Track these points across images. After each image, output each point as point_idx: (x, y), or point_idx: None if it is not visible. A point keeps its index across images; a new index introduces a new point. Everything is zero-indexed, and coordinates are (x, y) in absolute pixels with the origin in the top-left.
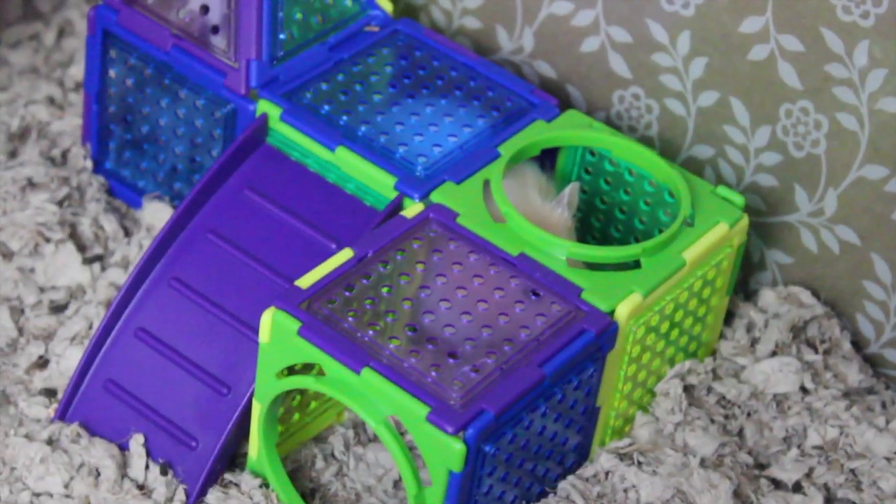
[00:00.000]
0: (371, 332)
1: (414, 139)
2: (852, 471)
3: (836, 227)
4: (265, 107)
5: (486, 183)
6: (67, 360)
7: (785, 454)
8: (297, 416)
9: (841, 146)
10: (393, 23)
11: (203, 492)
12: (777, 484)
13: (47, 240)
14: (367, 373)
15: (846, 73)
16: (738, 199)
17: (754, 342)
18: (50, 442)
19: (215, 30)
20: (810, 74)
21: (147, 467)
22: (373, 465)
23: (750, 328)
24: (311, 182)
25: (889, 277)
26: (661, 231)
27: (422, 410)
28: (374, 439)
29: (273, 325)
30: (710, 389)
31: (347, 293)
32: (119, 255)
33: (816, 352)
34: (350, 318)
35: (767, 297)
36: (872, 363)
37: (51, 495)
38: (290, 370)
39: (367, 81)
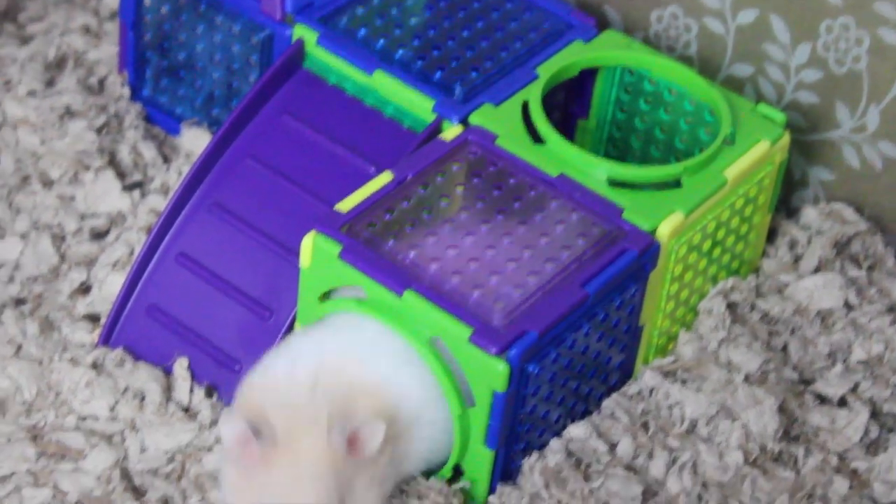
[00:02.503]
0: (412, 253)
1: (451, 61)
2: None
3: (879, 142)
4: (301, 32)
5: (526, 104)
6: (110, 285)
7: (830, 370)
8: None
9: (883, 61)
10: None
11: None
12: (822, 399)
13: (87, 167)
14: (408, 295)
15: None
16: (779, 117)
17: (797, 259)
18: (95, 366)
19: None
20: None
21: (192, 390)
22: None
23: (793, 245)
24: (348, 106)
25: None
26: (701, 150)
27: (464, 331)
28: None
29: (314, 248)
30: (753, 307)
31: (388, 216)
32: (158, 181)
33: (860, 268)
34: (391, 241)
35: (810, 214)
36: None
37: (96, 418)
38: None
39: (403, 5)
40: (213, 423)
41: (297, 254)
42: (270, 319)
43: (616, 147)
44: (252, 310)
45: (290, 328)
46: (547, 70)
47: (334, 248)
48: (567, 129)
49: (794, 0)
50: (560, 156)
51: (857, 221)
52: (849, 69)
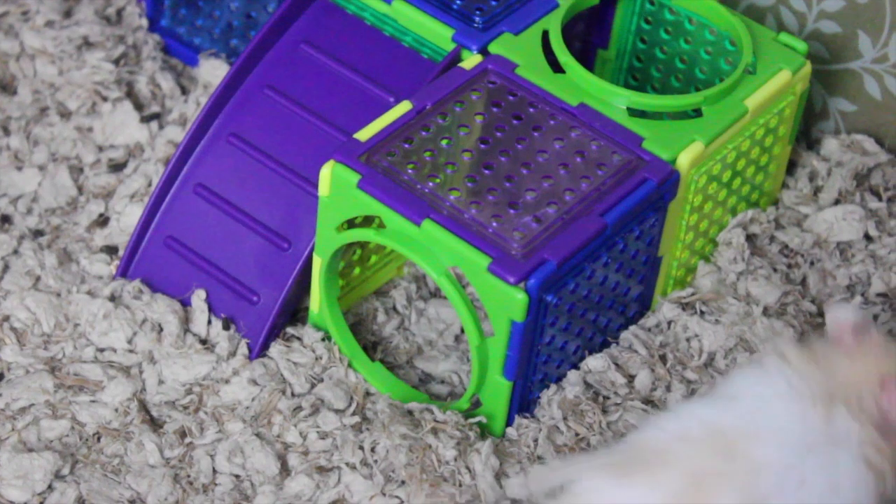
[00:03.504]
0: (431, 183)
1: None
2: None
3: None
4: None
5: (545, 33)
6: (128, 217)
7: (849, 302)
8: (357, 270)
9: None
10: None
11: (265, 346)
12: None
13: (104, 98)
14: (427, 224)
15: None
16: (801, 46)
17: (817, 191)
18: (112, 298)
19: None
20: None
21: (209, 322)
22: (434, 320)
23: (812, 177)
24: (368, 35)
25: None
26: (722, 80)
27: (483, 261)
28: (436, 293)
29: (332, 177)
30: (772, 238)
31: (407, 145)
32: (176, 112)
33: (880, 199)
34: (410, 170)
35: (830, 145)
36: None
37: (114, 350)
38: (350, 223)
39: None
40: (231, 354)
41: (315, 184)
42: (289, 250)
43: (636, 77)
44: (270, 240)
45: (309, 259)
46: None
47: (353, 178)
48: (587, 58)
49: None
50: (580, 85)
51: (878, 153)
52: None
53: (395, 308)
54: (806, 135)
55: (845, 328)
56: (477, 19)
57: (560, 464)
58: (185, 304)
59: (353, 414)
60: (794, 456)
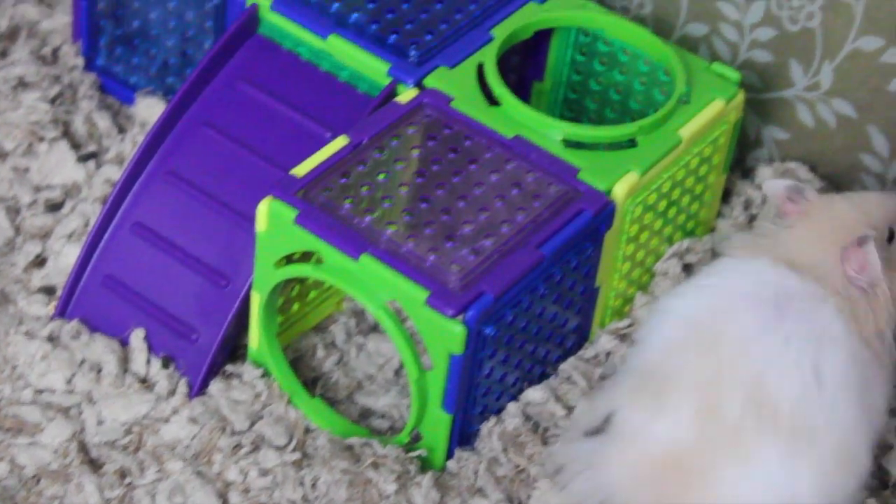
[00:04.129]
0: (368, 217)
1: (406, 24)
2: None
3: (833, 100)
4: None
5: (481, 66)
6: (65, 257)
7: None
8: (296, 305)
9: (836, 18)
10: None
11: (205, 383)
12: None
13: (41, 139)
14: (365, 258)
15: None
16: (734, 75)
17: (752, 219)
18: (51, 339)
19: None
20: None
21: (148, 361)
22: (374, 354)
23: (747, 205)
24: (303, 71)
25: (886, 149)
26: (656, 111)
27: (421, 294)
28: (375, 328)
29: (270, 213)
30: None
31: (344, 180)
32: (114, 151)
33: None
34: (347, 205)
35: (764, 173)
36: None
37: (53, 391)
38: (289, 259)
39: None
40: (171, 393)
41: (253, 220)
42: (227, 287)
43: (572, 109)
44: (209, 278)
45: (248, 295)
46: (501, 32)
47: (290, 213)
48: (523, 91)
49: None
50: (515, 117)
51: (812, 180)
52: (802, 27)
53: (334, 343)
54: (740, 163)
55: (780, 195)
56: (412, 53)
57: (593, 400)
58: (125, 343)
59: (294, 450)
60: (773, 315)
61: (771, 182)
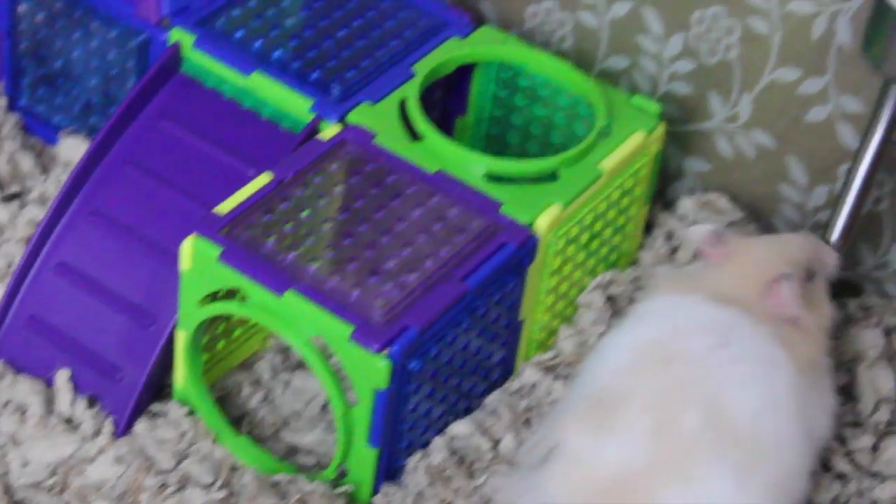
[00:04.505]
0: (292, 254)
1: (328, 61)
2: None
3: (751, 131)
4: (178, 35)
5: (403, 102)
6: None
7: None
8: (221, 343)
9: (753, 50)
10: None
11: (131, 423)
12: None
13: None
14: (289, 295)
15: None
16: (654, 108)
17: (674, 250)
18: None
19: None
20: None
21: (73, 402)
22: (300, 391)
23: (669, 236)
24: (226, 109)
25: (804, 179)
26: (578, 144)
27: (345, 329)
28: (301, 365)
29: (194, 251)
30: (632, 299)
31: (267, 217)
32: (37, 192)
33: None
34: (271, 242)
35: (685, 204)
36: None
37: None
38: (213, 297)
39: (280, 6)
40: (96, 433)
41: (177, 258)
42: (152, 326)
43: (494, 143)
44: (133, 317)
45: (172, 334)
46: (423, 67)
47: (214, 251)
48: (446, 126)
49: None
50: (438, 152)
51: (732, 211)
52: (720, 59)
53: (260, 380)
54: (662, 195)
55: (704, 239)
56: (335, 90)
57: (540, 432)
58: (50, 383)
59: (220, 488)
60: (719, 337)
61: (694, 228)
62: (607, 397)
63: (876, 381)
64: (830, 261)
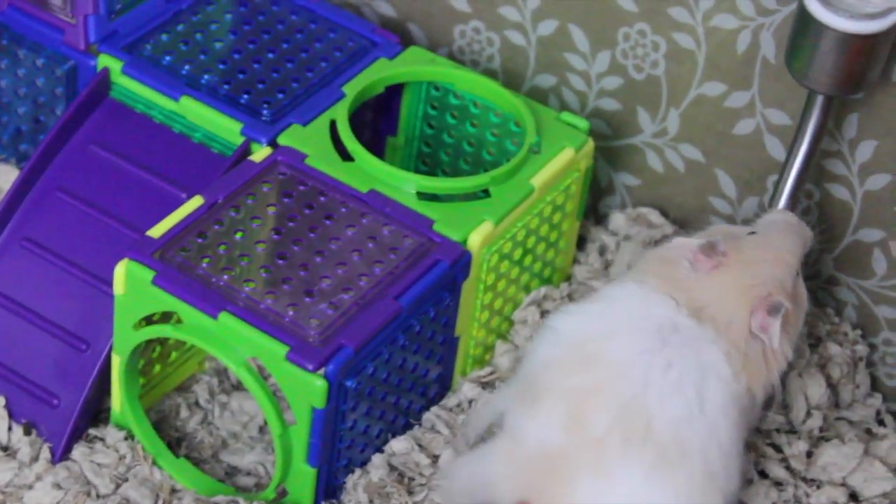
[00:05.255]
0: (226, 276)
1: (258, 84)
2: None
3: (680, 145)
4: (106, 61)
5: (333, 123)
6: None
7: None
8: (158, 367)
9: (679, 66)
10: None
11: (68, 449)
12: None
13: None
14: (224, 317)
15: None
16: (583, 124)
17: (607, 265)
18: None
19: None
20: None
21: (10, 429)
22: (237, 413)
23: (602, 251)
24: (157, 133)
25: (734, 192)
26: (508, 161)
27: (281, 350)
28: (238, 387)
29: (127, 276)
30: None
31: (200, 240)
32: None
33: None
34: (204, 265)
35: (617, 219)
36: None
37: None
38: (148, 321)
39: (208, 30)
40: (33, 459)
41: (111, 283)
42: (87, 351)
43: (426, 162)
44: (68, 342)
45: (108, 358)
46: (353, 88)
47: (147, 275)
48: (377, 146)
49: (592, 9)
50: (369, 172)
51: (664, 224)
52: (647, 75)
53: (197, 403)
54: (594, 210)
55: (693, 252)
56: (265, 112)
57: (483, 405)
58: None
59: None
60: (655, 341)
61: (680, 240)
62: (537, 383)
63: (807, 389)
64: (810, 244)
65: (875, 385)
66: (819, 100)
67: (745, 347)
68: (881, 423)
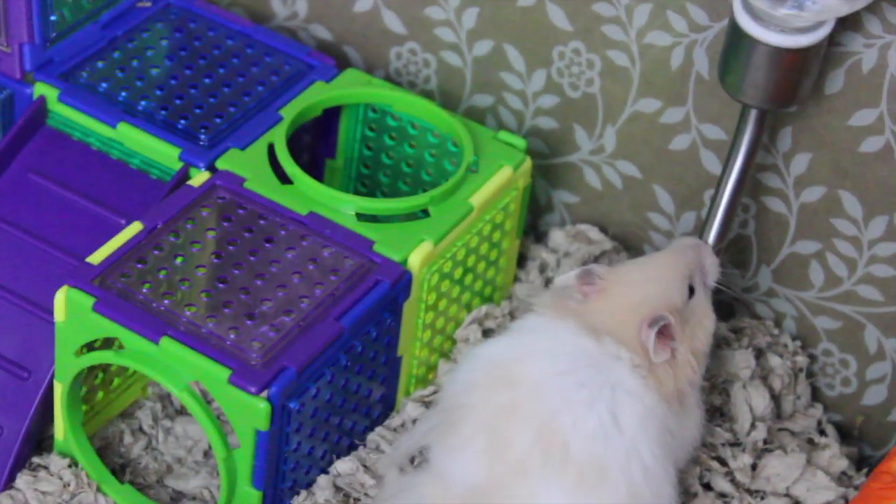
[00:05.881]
0: (167, 301)
1: (195, 109)
2: None
3: (617, 162)
4: (42, 89)
5: (272, 146)
6: None
7: None
8: (101, 393)
9: (614, 83)
10: None
11: (11, 477)
12: None
13: None
14: (165, 342)
15: (613, 11)
16: (520, 142)
17: (548, 282)
18: None
19: None
20: (579, 15)
21: None
22: (182, 437)
23: (543, 269)
24: (95, 160)
25: (671, 207)
26: (447, 181)
27: (223, 373)
28: (182, 412)
29: (67, 303)
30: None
31: (140, 265)
32: None
33: None
34: (145, 290)
35: (557, 236)
36: None
37: None
38: (90, 347)
39: (144, 56)
40: None
41: (51, 311)
42: (29, 379)
43: (365, 184)
44: (9, 371)
45: (50, 386)
46: (290, 111)
47: (87, 301)
48: (316, 169)
49: (527, 29)
50: (308, 195)
51: (603, 241)
52: (583, 92)
53: (141, 428)
54: (534, 228)
55: (574, 284)
56: (203, 137)
57: (401, 441)
58: None
59: None
60: (568, 364)
61: (561, 278)
62: (454, 407)
63: (751, 401)
64: (712, 268)
65: (816, 395)
66: (753, 114)
67: (649, 361)
68: (822, 433)
